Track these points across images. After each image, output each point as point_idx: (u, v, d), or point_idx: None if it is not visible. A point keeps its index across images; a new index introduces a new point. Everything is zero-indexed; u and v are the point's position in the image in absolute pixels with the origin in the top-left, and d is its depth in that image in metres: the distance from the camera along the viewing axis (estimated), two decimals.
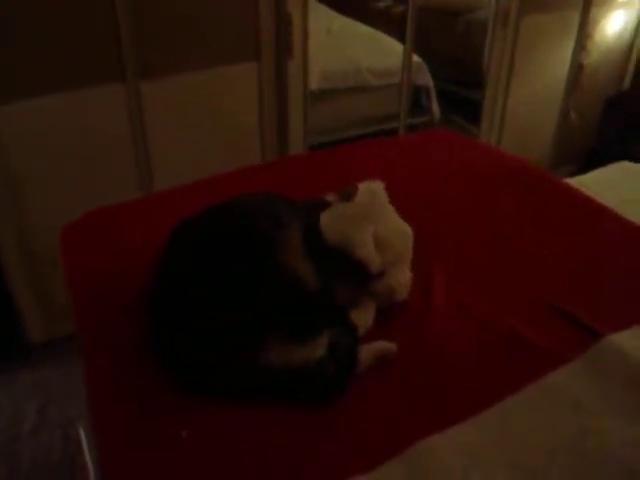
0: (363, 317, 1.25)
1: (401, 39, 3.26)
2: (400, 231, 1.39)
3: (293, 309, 1.14)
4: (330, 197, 1.39)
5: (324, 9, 4.22)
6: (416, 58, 3.37)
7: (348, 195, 1.34)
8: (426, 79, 3.77)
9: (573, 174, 2.98)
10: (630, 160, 2.74)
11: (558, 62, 3.35)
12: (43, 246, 2.25)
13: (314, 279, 1.18)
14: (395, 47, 3.60)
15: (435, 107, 3.86)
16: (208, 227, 1.25)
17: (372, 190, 1.38)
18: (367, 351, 1.15)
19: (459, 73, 4.04)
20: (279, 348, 1.09)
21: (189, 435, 1.03)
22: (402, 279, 1.33)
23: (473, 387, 1.14)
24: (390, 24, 3.98)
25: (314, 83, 3.03)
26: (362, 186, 1.37)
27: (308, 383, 1.09)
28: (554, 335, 1.24)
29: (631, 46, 3.62)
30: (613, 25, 3.44)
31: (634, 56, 3.66)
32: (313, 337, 1.12)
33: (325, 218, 1.30)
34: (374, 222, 1.31)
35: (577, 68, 3.38)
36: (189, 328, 1.12)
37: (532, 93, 3.32)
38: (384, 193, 1.39)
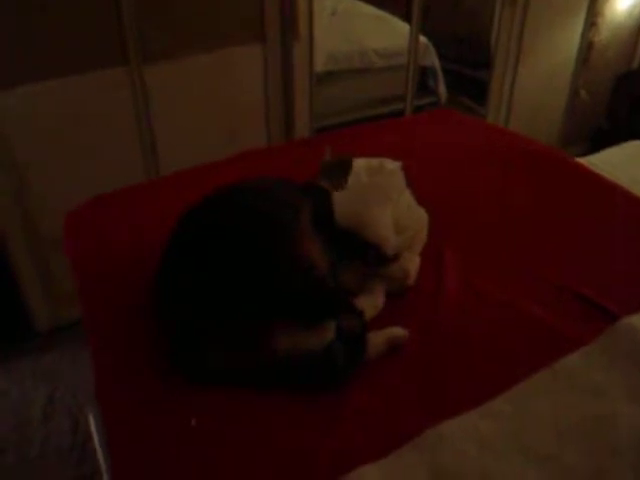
0: (373, 301, 1.23)
1: (407, 19, 3.21)
2: (417, 214, 1.37)
3: (302, 294, 1.12)
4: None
5: None
6: (422, 39, 3.32)
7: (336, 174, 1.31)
8: (432, 60, 3.73)
9: (582, 153, 2.93)
10: (639, 139, 2.70)
11: (567, 40, 3.30)
12: (48, 232, 2.24)
13: (323, 264, 1.16)
14: (401, 27, 3.55)
15: (442, 88, 3.82)
16: (220, 209, 1.23)
17: (390, 170, 1.35)
18: (378, 337, 1.13)
19: (466, 53, 3.98)
20: (287, 333, 1.08)
21: (198, 423, 1.02)
22: (416, 263, 1.31)
23: (486, 372, 1.12)
24: (395, 4, 3.92)
25: (319, 65, 3.00)
26: (371, 162, 1.34)
27: (316, 368, 1.07)
28: (568, 317, 1.23)
29: None
30: (624, 1, 3.38)
31: None
32: (321, 322, 1.10)
33: (339, 198, 1.27)
34: (392, 203, 1.28)
35: (587, 45, 3.33)
36: (195, 311, 1.10)
37: (541, 72, 3.28)
38: (402, 174, 1.36)
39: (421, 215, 1.37)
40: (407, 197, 1.37)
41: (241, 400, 1.06)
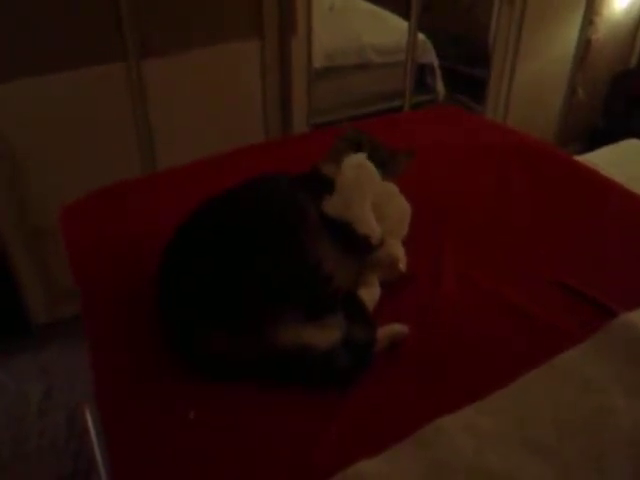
0: (370, 293, 1.24)
1: (405, 16, 3.21)
2: (397, 204, 1.38)
3: (306, 292, 1.12)
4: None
5: None
6: (420, 36, 3.33)
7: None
8: (430, 57, 3.73)
9: (579, 151, 2.95)
10: (636, 138, 2.71)
11: (565, 38, 3.30)
12: (45, 226, 2.24)
13: (330, 262, 1.17)
14: (399, 24, 3.55)
15: (439, 85, 3.82)
16: (225, 209, 1.23)
17: (359, 163, 1.35)
18: (379, 334, 1.13)
19: (464, 51, 3.99)
20: (291, 328, 1.08)
21: (196, 417, 1.02)
22: (401, 250, 1.33)
23: (485, 367, 1.12)
24: (394, 1, 3.92)
25: (317, 61, 3.00)
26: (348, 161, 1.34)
27: (317, 369, 1.08)
28: (565, 313, 1.23)
29: (639, 22, 3.56)
30: (622, 0, 3.39)
31: None
32: (325, 320, 1.11)
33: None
34: (371, 193, 1.30)
35: (584, 44, 3.33)
36: (200, 299, 1.10)
37: (538, 70, 3.28)
38: (370, 164, 1.36)
39: (402, 204, 1.38)
40: (387, 187, 1.38)
41: (241, 396, 1.06)
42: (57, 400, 2.17)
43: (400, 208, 1.38)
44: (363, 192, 1.29)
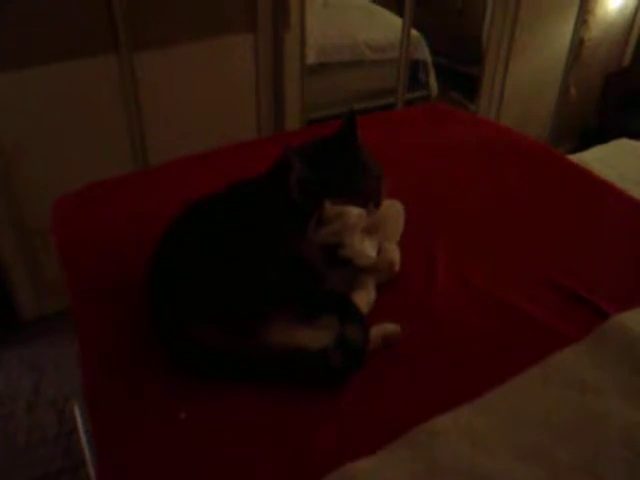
0: (366, 297, 1.23)
1: (399, 13, 3.20)
2: (390, 209, 1.37)
3: (301, 288, 1.12)
4: None
5: None
6: (414, 32, 3.32)
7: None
8: (424, 54, 3.73)
9: (572, 151, 2.95)
10: (629, 137, 2.71)
11: (559, 37, 3.31)
12: (35, 220, 2.22)
13: (321, 263, 1.17)
14: (393, 21, 3.55)
15: (433, 82, 3.82)
16: (214, 211, 1.22)
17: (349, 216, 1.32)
18: (373, 333, 1.12)
19: (457, 48, 3.99)
20: (283, 325, 1.08)
21: (187, 417, 1.01)
22: (397, 252, 1.32)
23: (479, 367, 1.12)
24: None
25: (310, 57, 2.99)
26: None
27: (310, 368, 1.07)
28: (559, 314, 1.23)
29: (632, 22, 3.57)
30: (615, 0, 3.40)
31: (635, 32, 3.62)
32: (319, 319, 1.11)
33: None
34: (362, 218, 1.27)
35: (578, 43, 3.34)
36: (190, 298, 1.10)
37: (532, 69, 3.29)
38: (358, 212, 1.33)
39: (395, 206, 1.37)
40: None
41: (234, 396, 1.05)
42: (46, 395, 2.15)
43: (394, 210, 1.37)
44: (353, 230, 1.25)
